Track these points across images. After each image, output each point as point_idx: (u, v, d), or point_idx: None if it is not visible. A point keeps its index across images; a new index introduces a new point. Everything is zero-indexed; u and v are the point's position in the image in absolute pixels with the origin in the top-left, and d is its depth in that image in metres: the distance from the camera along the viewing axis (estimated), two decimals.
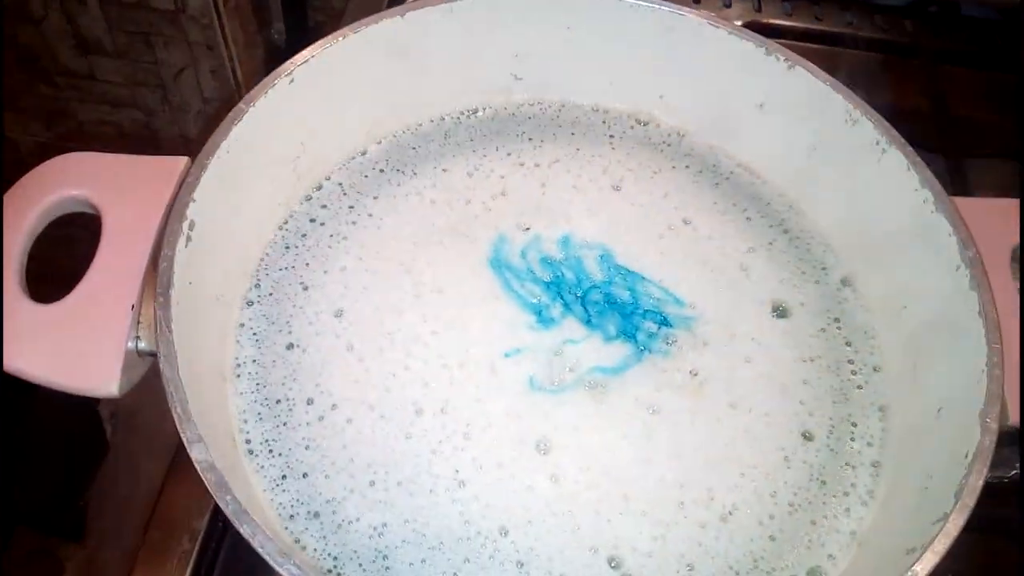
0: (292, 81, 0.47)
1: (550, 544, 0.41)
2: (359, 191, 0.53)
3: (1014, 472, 0.52)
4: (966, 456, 0.38)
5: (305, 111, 0.49)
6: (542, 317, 0.49)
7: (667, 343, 0.48)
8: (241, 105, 0.45)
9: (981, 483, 0.37)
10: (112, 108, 0.99)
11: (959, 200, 0.45)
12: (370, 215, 0.52)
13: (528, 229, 0.52)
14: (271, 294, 0.49)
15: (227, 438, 0.42)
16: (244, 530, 0.33)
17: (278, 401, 0.45)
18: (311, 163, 0.52)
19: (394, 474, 0.43)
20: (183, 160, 0.45)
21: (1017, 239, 0.46)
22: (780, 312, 0.50)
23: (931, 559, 0.35)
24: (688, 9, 0.52)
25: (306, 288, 0.49)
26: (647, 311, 0.49)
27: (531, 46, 0.55)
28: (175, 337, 0.38)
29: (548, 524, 0.42)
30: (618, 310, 0.50)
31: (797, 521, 0.43)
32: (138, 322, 0.41)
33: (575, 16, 0.53)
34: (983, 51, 0.75)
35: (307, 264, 0.50)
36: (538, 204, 0.54)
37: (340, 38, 0.49)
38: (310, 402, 0.45)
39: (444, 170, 0.55)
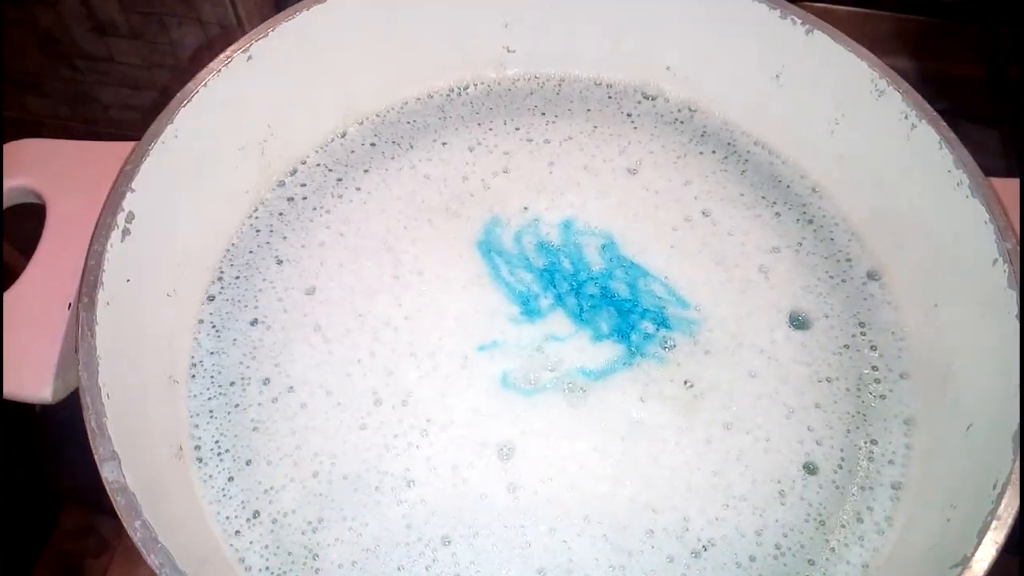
0: (250, 58, 0.44)
1: (494, 560, 0.38)
2: (346, 165, 0.50)
3: None
4: (994, 487, 0.32)
5: (269, 91, 0.46)
6: (528, 308, 0.44)
7: (663, 347, 0.43)
8: (190, 85, 0.42)
9: (1011, 521, 0.31)
10: (133, 91, 0.98)
11: (999, 182, 0.39)
12: (358, 189, 0.49)
13: (527, 210, 0.48)
14: (238, 277, 0.46)
15: (170, 448, 0.39)
16: (152, 560, 0.30)
17: (232, 383, 0.42)
18: (281, 147, 0.48)
19: (340, 466, 0.40)
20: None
21: None
22: (799, 323, 0.44)
23: None
24: None
25: (280, 262, 0.46)
26: (646, 310, 0.45)
27: (523, 14, 0.50)
28: (99, 341, 0.35)
29: (496, 538, 0.38)
30: (615, 306, 0.45)
31: (782, 566, 0.38)
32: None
33: None
34: None
35: (284, 238, 0.47)
36: (542, 184, 0.49)
37: (303, 10, 0.45)
38: (266, 382, 0.42)
39: (444, 143, 0.51)
